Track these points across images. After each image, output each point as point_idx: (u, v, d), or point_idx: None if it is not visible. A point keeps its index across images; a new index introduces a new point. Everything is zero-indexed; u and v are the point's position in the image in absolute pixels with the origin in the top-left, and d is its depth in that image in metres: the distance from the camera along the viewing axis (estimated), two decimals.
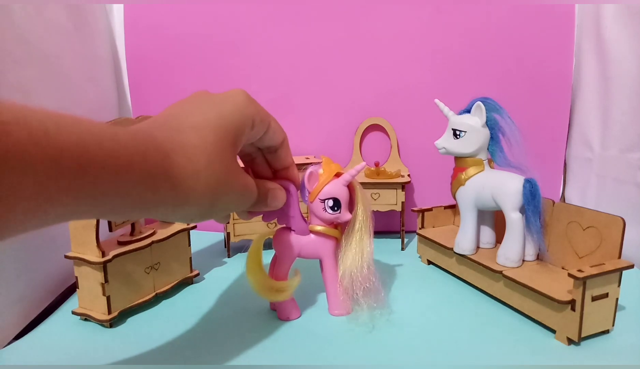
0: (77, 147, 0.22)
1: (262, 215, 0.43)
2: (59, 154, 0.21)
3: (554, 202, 0.51)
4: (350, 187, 0.45)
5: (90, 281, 0.45)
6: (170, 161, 0.28)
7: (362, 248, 0.45)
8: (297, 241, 0.45)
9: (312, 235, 0.45)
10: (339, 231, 0.46)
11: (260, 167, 0.42)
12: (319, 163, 0.45)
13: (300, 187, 0.45)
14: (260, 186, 0.39)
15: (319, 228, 0.45)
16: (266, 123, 0.37)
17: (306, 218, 0.46)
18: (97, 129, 0.24)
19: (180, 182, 0.28)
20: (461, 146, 0.51)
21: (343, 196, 0.44)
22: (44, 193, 0.21)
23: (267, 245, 0.47)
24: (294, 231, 0.45)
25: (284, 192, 0.41)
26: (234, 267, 0.61)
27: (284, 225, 0.45)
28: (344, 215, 0.44)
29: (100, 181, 0.24)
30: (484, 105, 0.50)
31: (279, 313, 0.47)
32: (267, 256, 0.46)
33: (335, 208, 0.44)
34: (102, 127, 0.25)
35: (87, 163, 0.23)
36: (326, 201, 0.44)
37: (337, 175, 0.45)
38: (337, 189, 0.44)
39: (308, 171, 0.44)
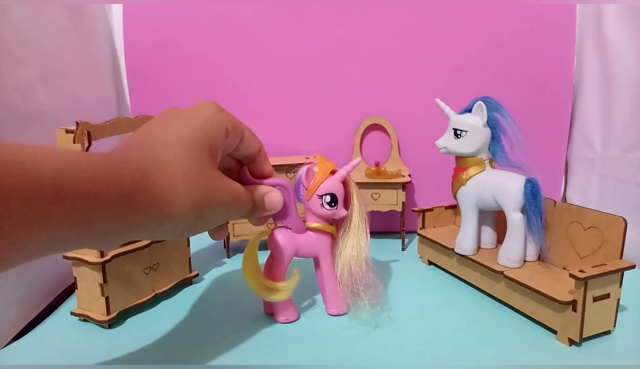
0: (53, 175, 0.23)
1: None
2: (35, 182, 0.22)
3: (555, 202, 0.50)
4: (345, 183, 0.45)
5: (89, 281, 0.45)
6: (147, 178, 0.28)
7: (359, 244, 0.45)
8: (294, 239, 0.45)
9: (309, 233, 0.46)
10: (335, 228, 0.46)
11: (241, 177, 0.42)
12: (310, 162, 0.46)
13: (296, 185, 0.45)
14: (254, 192, 0.39)
15: (316, 225, 0.45)
16: (239, 131, 0.37)
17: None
18: (71, 156, 0.25)
19: (159, 198, 0.28)
20: (462, 146, 0.51)
21: (339, 192, 0.45)
22: (24, 221, 0.21)
23: (263, 246, 0.46)
24: (290, 229, 0.45)
25: (279, 193, 0.41)
26: (234, 267, 0.61)
27: (280, 224, 0.45)
28: (341, 211, 0.45)
29: (80, 205, 0.24)
30: (485, 104, 0.50)
31: (276, 315, 0.46)
32: (262, 257, 0.46)
33: (333, 204, 0.44)
34: (76, 154, 0.25)
35: (64, 189, 0.23)
36: (324, 197, 0.44)
37: (332, 172, 0.45)
38: (333, 185, 0.44)
39: (305, 168, 0.44)
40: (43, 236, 0.23)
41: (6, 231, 0.21)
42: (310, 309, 0.49)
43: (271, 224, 0.46)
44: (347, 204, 0.46)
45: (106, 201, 0.25)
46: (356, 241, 0.45)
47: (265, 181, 0.41)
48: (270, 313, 0.47)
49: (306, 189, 0.45)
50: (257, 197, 0.39)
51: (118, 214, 0.26)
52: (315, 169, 0.45)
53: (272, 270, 0.46)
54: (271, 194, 0.40)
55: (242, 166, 0.42)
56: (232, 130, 0.36)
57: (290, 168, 0.63)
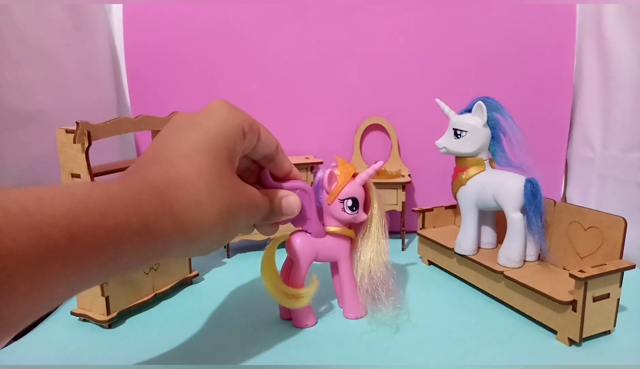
0: (65, 218, 0.21)
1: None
2: (45, 231, 0.20)
3: (555, 202, 0.50)
4: (365, 187, 0.45)
5: None
6: (169, 200, 0.26)
7: (379, 248, 0.45)
8: (314, 244, 0.44)
9: (328, 237, 0.45)
10: (354, 231, 0.46)
11: (261, 179, 0.40)
12: (320, 163, 0.45)
13: (315, 188, 0.44)
14: (271, 197, 0.37)
15: (335, 229, 0.45)
16: (256, 130, 0.35)
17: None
18: (82, 191, 0.23)
19: (185, 220, 0.27)
20: (462, 146, 0.51)
21: (361, 196, 0.44)
22: (40, 274, 0.20)
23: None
24: (310, 233, 0.44)
25: (297, 197, 0.40)
26: (234, 267, 0.61)
27: (299, 228, 0.44)
28: (361, 215, 0.44)
29: (99, 244, 0.22)
30: (485, 104, 0.50)
31: (294, 321, 0.45)
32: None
33: (354, 208, 0.44)
34: (88, 187, 0.24)
35: (78, 230, 0.21)
36: (345, 201, 0.43)
37: (353, 176, 0.44)
38: (355, 189, 0.44)
39: (327, 172, 0.43)
40: (62, 282, 0.21)
41: (19, 287, 0.19)
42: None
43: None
44: (366, 208, 0.45)
45: (127, 234, 0.23)
46: (376, 245, 0.44)
47: (285, 185, 0.40)
48: (286, 318, 0.46)
49: (327, 193, 0.44)
50: (274, 202, 0.38)
51: (143, 245, 0.25)
52: (336, 172, 0.44)
53: (291, 276, 0.45)
54: (289, 198, 0.39)
55: (260, 167, 0.40)
56: (249, 130, 0.34)
57: None
